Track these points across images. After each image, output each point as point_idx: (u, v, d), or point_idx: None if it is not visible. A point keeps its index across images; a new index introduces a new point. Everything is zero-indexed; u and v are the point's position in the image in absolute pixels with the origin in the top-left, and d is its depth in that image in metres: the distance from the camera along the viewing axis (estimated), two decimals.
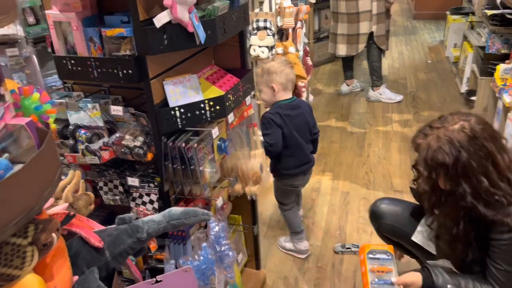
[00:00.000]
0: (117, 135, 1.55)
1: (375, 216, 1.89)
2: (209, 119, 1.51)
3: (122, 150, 1.53)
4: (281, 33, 3.23)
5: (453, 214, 1.45)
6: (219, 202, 1.57)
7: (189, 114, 1.47)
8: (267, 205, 2.81)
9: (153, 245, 1.27)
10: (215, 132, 1.48)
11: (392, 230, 1.84)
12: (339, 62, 4.71)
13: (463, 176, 1.37)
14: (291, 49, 3.13)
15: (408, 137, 3.57)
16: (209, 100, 1.48)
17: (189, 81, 1.51)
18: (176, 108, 1.45)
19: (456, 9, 5.31)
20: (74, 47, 1.44)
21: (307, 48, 3.86)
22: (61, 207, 1.30)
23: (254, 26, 3.11)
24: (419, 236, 1.75)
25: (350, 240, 2.47)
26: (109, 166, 1.68)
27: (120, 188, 1.68)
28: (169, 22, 1.32)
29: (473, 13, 4.48)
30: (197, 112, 1.48)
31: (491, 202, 1.36)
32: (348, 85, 4.51)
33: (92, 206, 1.44)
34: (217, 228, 1.25)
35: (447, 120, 1.43)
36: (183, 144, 1.44)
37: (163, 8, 1.31)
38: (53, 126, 1.61)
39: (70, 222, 1.21)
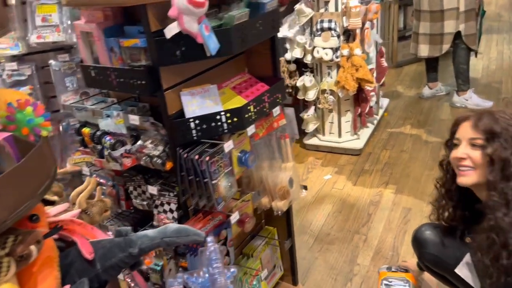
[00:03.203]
0: (140, 143, 1.57)
1: (417, 243, 1.69)
2: (226, 131, 1.45)
3: (144, 158, 1.55)
4: (348, 34, 3.04)
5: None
6: (234, 217, 1.51)
7: (204, 126, 1.43)
8: (318, 216, 2.68)
9: (147, 260, 1.25)
10: (228, 146, 1.42)
11: (434, 261, 1.63)
12: None
13: None
14: (357, 51, 2.94)
15: None
16: (226, 111, 1.43)
17: (208, 92, 1.47)
18: (191, 120, 1.42)
19: None
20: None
21: (383, 49, 3.61)
22: (73, 213, 1.35)
23: (318, 27, 2.97)
24: (464, 269, 1.52)
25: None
26: (139, 171, 1.72)
27: (148, 194, 1.70)
28: (182, 33, 1.29)
29: None
30: (213, 124, 1.43)
31: None
32: (430, 88, 4.14)
33: (108, 213, 1.47)
34: (212, 249, 1.19)
35: None
36: (196, 157, 1.40)
37: None
38: (86, 130, 1.70)
39: (73, 229, 1.24)
